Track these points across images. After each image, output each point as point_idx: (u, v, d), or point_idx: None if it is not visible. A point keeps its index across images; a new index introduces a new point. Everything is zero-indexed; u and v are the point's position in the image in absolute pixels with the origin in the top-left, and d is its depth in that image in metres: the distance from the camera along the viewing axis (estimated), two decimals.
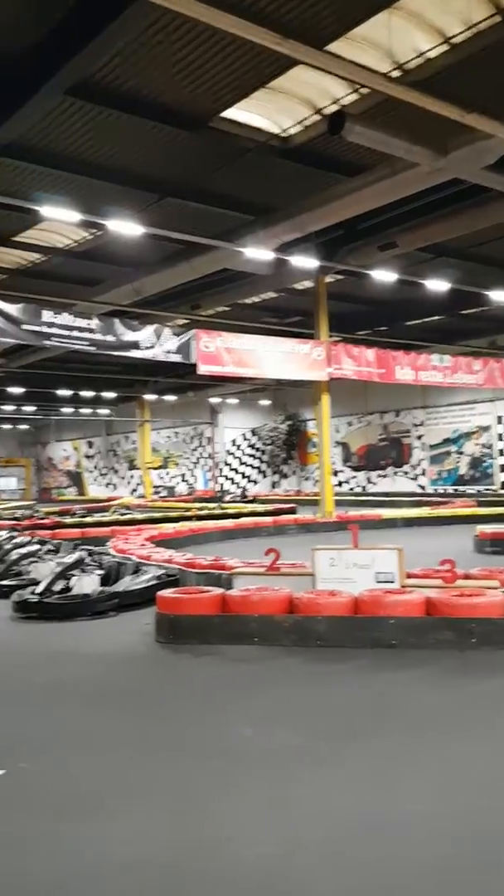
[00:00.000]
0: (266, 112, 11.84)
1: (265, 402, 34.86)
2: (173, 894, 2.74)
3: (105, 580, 8.85)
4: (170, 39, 9.65)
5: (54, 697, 5.25)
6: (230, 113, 11.67)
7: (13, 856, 3.02)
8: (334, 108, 11.38)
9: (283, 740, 4.23)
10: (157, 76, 10.51)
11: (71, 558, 9.02)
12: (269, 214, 14.70)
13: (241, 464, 36.97)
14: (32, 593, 8.35)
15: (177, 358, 15.82)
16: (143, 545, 12.01)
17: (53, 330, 14.42)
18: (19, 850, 3.07)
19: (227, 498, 29.20)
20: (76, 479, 46.12)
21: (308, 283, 19.22)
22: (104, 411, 38.35)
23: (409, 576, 6.93)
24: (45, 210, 12.25)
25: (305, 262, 15.51)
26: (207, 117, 11.71)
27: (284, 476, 35.18)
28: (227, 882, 2.78)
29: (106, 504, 27.91)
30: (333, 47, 9.70)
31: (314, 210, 13.73)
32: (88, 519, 20.00)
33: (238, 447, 36.99)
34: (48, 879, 2.83)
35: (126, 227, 12.92)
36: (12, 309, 13.86)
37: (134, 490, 39.80)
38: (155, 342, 15.55)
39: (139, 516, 20.72)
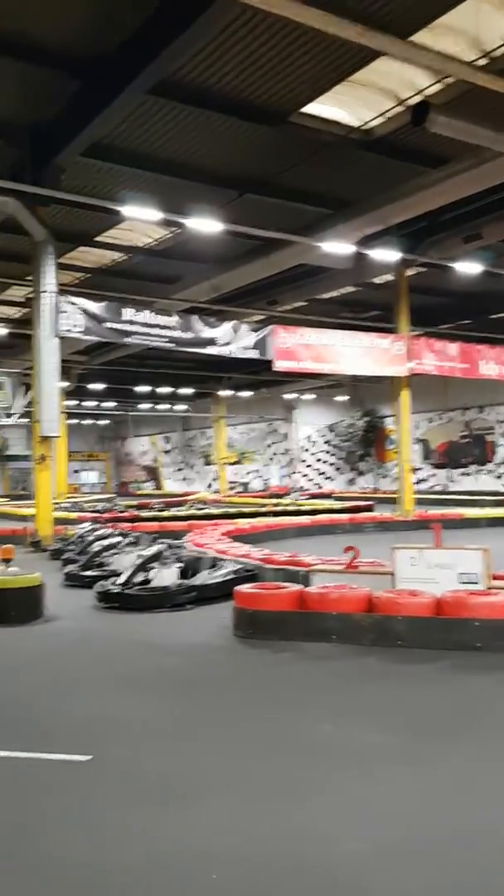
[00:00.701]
0: (347, 105, 11.71)
1: (342, 398, 34.53)
2: (258, 887, 2.75)
3: (183, 573, 8.98)
4: (251, 36, 9.68)
5: (137, 686, 5.37)
6: (311, 107, 11.61)
7: (103, 843, 3.10)
8: (417, 98, 11.15)
9: (365, 739, 4.18)
10: (239, 73, 10.56)
11: (151, 551, 9.20)
12: (349, 208, 14.55)
13: (317, 460, 36.81)
14: (114, 584, 8.57)
15: (253, 354, 15.88)
16: (219, 540, 12.12)
17: (134, 327, 14.74)
18: (108, 836, 3.14)
19: (292, 496, 28.99)
20: (153, 473, 47.04)
21: (388, 277, 18.92)
22: (181, 407, 38.93)
23: (495, 577, 6.72)
24: (128, 210, 12.51)
25: (386, 255, 15.27)
26: (288, 113, 11.69)
27: (361, 473, 34.77)
28: (309, 876, 2.78)
29: (182, 499, 28.35)
30: (418, 37, 9.51)
31: (396, 202, 13.50)
32: (165, 513, 20.36)
33: (313, 443, 36.84)
34: (137, 867, 2.88)
35: (205, 225, 13.05)
36: (95, 307, 14.24)
37: (209, 485, 40.27)
38: (232, 338, 15.66)
39: (215, 511, 20.94)
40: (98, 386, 32.36)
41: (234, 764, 3.89)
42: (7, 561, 8.19)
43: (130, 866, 2.88)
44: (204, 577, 8.80)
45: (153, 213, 12.48)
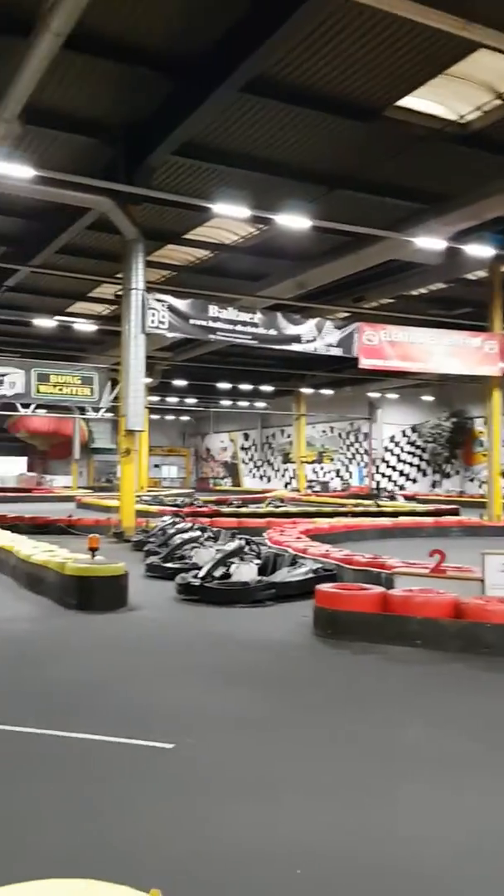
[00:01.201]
0: (443, 99, 11.41)
1: (428, 398, 33.73)
2: (342, 886, 2.71)
3: (262, 570, 8.99)
4: (346, 32, 9.58)
5: (219, 679, 5.40)
6: (405, 101, 11.38)
7: (184, 832, 3.12)
8: None
9: (450, 745, 4.06)
10: (332, 69, 10.46)
11: (231, 546, 9.25)
12: (442, 203, 14.19)
13: (399, 461, 36.15)
14: (194, 577, 8.66)
15: (337, 352, 15.74)
16: (298, 538, 12.06)
17: (218, 324, 14.88)
18: (190, 826, 3.16)
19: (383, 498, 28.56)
20: (232, 469, 47.44)
21: (482, 273, 18.34)
22: (261, 404, 39.07)
23: None
24: (218, 207, 12.61)
25: (480, 251, 14.80)
26: (382, 107, 11.49)
27: (447, 476, 33.85)
28: (393, 877, 2.71)
29: (260, 496, 28.42)
30: None
31: (491, 197, 13.08)
32: (244, 509, 20.45)
33: (397, 444, 36.18)
34: (219, 858, 2.89)
35: (294, 221, 13.00)
36: (181, 304, 14.45)
37: (287, 483, 40.23)
38: (316, 336, 15.57)
39: (293, 509, 20.89)
40: (181, 382, 32.88)
41: (315, 762, 3.85)
42: (94, 550, 8.42)
43: (212, 857, 2.88)
44: (283, 575, 8.78)
45: (242, 211, 12.54)
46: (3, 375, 19.13)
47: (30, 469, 43.15)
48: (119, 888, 1.62)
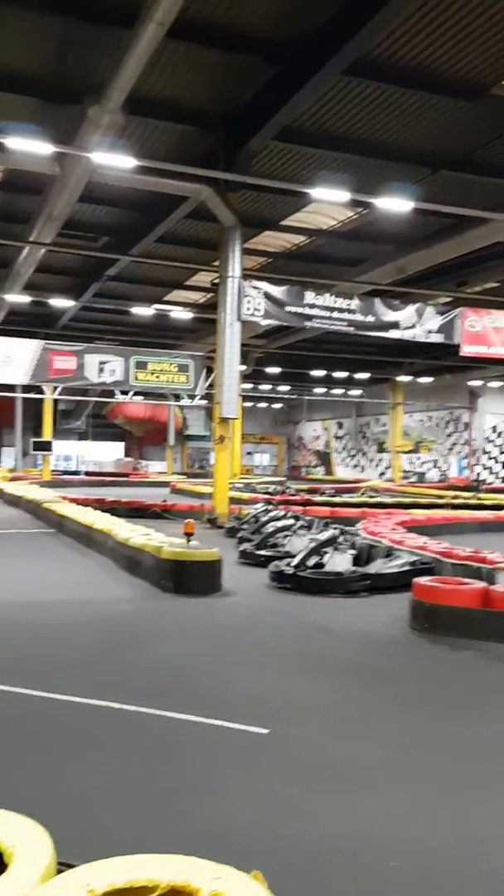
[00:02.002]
0: None
1: None
2: (437, 883, 2.62)
3: (356, 560, 8.86)
4: (452, 9, 9.20)
5: (313, 667, 5.36)
6: None
7: (278, 817, 3.10)
8: None
9: None
10: (437, 48, 10.09)
11: (324, 535, 9.16)
12: None
13: (502, 453, 34.78)
14: (287, 565, 8.63)
15: (438, 338, 15.25)
16: (393, 529, 11.81)
17: (314, 311, 14.72)
18: (284, 811, 3.14)
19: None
20: (324, 458, 47.12)
21: None
22: (355, 392, 38.54)
23: None
24: (317, 192, 12.42)
25: None
26: (488, 86, 10.98)
27: None
28: (490, 880, 2.58)
29: (353, 485, 28.08)
30: None
31: None
32: (337, 499, 20.25)
33: (499, 434, 34.81)
34: (312, 846, 2.85)
35: (396, 204, 12.64)
36: (277, 291, 14.38)
37: (382, 473, 39.57)
38: (416, 322, 15.14)
39: (387, 500, 20.49)
40: (274, 369, 32.87)
41: (409, 757, 3.77)
42: (189, 535, 8.53)
43: (309, 843, 2.86)
44: (378, 566, 8.61)
45: (342, 195, 12.30)
46: (103, 363, 19.69)
47: (126, 454, 44.45)
48: (222, 867, 1.59)
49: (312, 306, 14.66)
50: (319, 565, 8.54)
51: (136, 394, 23.12)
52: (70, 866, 1.62)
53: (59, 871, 1.60)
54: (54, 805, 2.90)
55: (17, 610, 7.05)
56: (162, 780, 3.42)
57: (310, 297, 14.67)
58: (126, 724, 4.12)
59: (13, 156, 11.37)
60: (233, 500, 16.27)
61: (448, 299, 20.19)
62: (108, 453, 42.92)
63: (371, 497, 21.15)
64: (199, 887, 1.54)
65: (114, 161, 11.04)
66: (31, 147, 10.72)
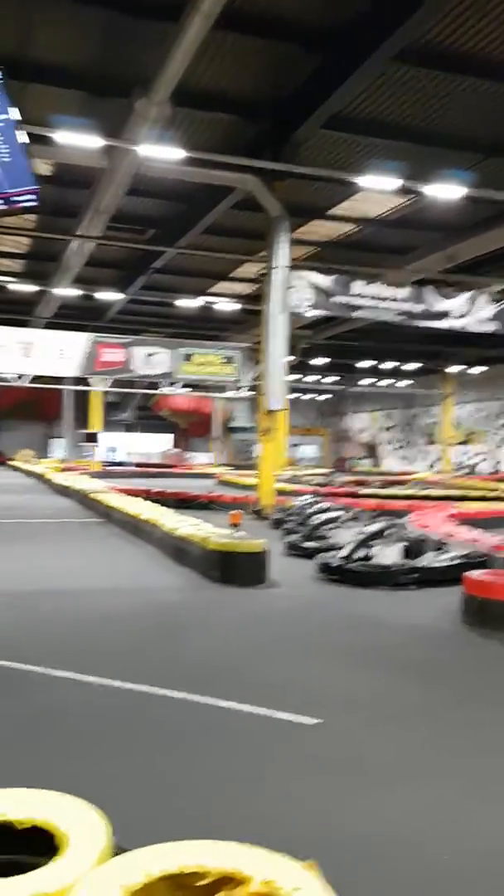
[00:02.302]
0: None
1: None
2: (496, 881, 2.56)
3: (406, 553, 8.73)
4: None
5: (362, 660, 5.32)
6: None
7: (329, 809, 3.08)
8: None
9: None
10: (489, 33, 9.86)
11: (372, 528, 9.08)
12: None
13: None
14: (335, 557, 8.57)
15: (491, 327, 14.91)
16: (443, 522, 11.63)
17: (362, 301, 14.54)
18: (335, 804, 3.12)
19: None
20: (372, 450, 46.68)
21: None
22: (404, 383, 38.03)
23: None
24: (365, 180, 12.26)
25: None
26: None
27: None
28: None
29: (402, 478, 27.76)
30: None
31: None
32: (385, 491, 20.04)
33: None
34: (365, 840, 2.82)
35: (446, 191, 12.39)
36: (325, 281, 14.25)
37: (431, 465, 38.98)
38: (468, 311, 14.82)
39: (438, 493, 20.18)
40: (320, 360, 32.66)
41: (462, 755, 3.69)
42: (235, 526, 8.55)
43: (357, 835, 2.84)
44: (428, 560, 8.48)
45: (392, 182, 12.13)
46: (150, 355, 19.85)
47: (173, 446, 44.85)
48: (274, 855, 1.58)
49: (360, 296, 14.48)
50: (367, 558, 8.46)
51: (182, 385, 23.25)
52: (124, 850, 1.63)
53: (114, 856, 1.61)
54: (105, 789, 2.93)
55: (70, 597, 7.18)
56: (210, 767, 3.44)
57: (358, 286, 14.49)
58: (174, 711, 4.15)
59: (62, 150, 11.51)
60: (279, 492, 16.25)
61: (502, 287, 19.70)
62: (155, 445, 43.38)
63: (420, 490, 20.87)
64: (251, 875, 1.54)
65: (161, 153, 11.09)
66: (80, 141, 10.85)
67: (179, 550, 9.11)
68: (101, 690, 4.43)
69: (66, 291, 21.64)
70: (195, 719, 4.04)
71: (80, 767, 3.32)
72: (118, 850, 1.64)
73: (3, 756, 3.45)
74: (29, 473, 29.51)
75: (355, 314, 14.92)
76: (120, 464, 37.56)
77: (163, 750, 3.62)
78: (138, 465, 36.39)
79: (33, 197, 4.48)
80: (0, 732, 3.77)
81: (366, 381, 37.80)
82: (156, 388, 24.61)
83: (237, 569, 7.92)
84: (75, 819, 1.67)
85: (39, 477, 25.85)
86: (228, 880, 1.57)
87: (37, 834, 1.66)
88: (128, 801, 3.00)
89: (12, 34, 10.25)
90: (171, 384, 21.55)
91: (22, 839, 1.67)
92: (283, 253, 13.59)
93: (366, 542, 8.64)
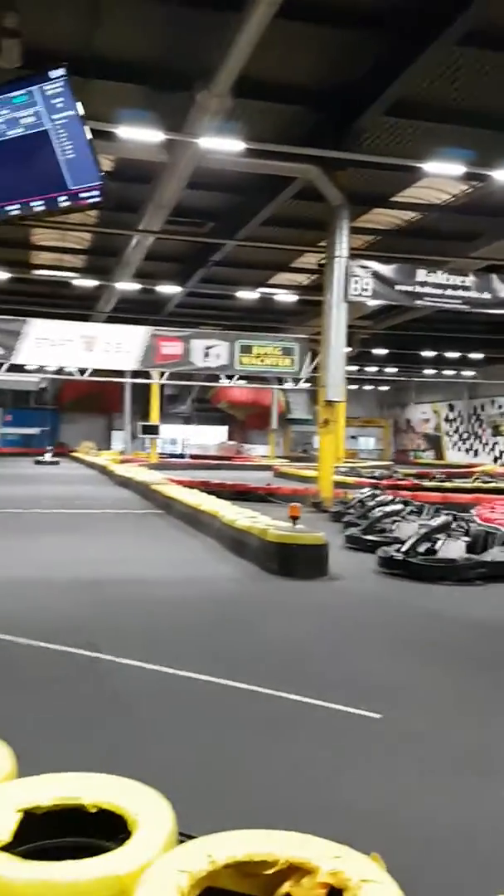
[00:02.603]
0: None
1: None
2: None
3: (471, 547, 8.55)
4: None
5: (426, 655, 5.25)
6: None
7: (400, 803, 3.04)
8: None
9: None
10: None
11: (437, 521, 8.90)
12: None
13: None
14: (397, 551, 8.45)
15: None
16: None
17: (426, 289, 14.27)
18: (405, 798, 3.09)
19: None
20: (434, 442, 45.80)
21: None
22: (468, 373, 37.13)
23: None
24: (429, 166, 11.99)
25: None
26: None
27: None
28: None
29: (466, 470, 27.13)
30: None
31: None
32: (448, 484, 19.63)
33: None
34: (438, 835, 2.78)
35: None
36: (386, 270, 14.03)
37: (497, 458, 38.01)
38: None
39: None
40: (381, 351, 32.21)
41: None
42: (295, 518, 8.52)
43: (422, 830, 2.80)
44: (495, 554, 8.29)
45: (457, 168, 11.84)
46: (208, 348, 19.98)
47: (230, 438, 45.05)
48: (341, 846, 1.57)
49: (424, 284, 14.21)
50: (431, 552, 8.31)
51: (239, 377, 23.32)
52: (190, 837, 1.64)
53: (180, 842, 1.63)
54: (171, 776, 2.97)
55: (134, 586, 7.29)
56: (275, 758, 3.44)
57: (421, 274, 14.22)
58: (238, 702, 4.17)
59: (123, 145, 11.63)
60: (338, 485, 16.12)
61: None
62: (212, 437, 43.68)
63: (486, 482, 20.37)
64: (318, 865, 1.53)
65: (222, 145, 11.09)
66: (142, 135, 10.94)
67: (238, 542, 9.15)
68: (168, 679, 4.48)
69: (127, 286, 21.94)
70: (257, 711, 4.05)
71: (148, 754, 3.37)
72: (186, 836, 1.65)
73: (75, 740, 3.53)
74: (91, 465, 30.14)
75: (419, 303, 14.65)
76: (178, 455, 37.99)
77: (224, 741, 3.64)
78: (195, 457, 36.71)
79: (98, 193, 4.53)
80: (71, 718, 3.86)
81: (429, 371, 37.07)
82: (214, 381, 24.78)
83: (297, 561, 7.90)
84: (143, 804, 1.69)
85: (101, 468, 26.37)
86: (295, 870, 1.56)
87: (105, 817, 1.69)
88: (191, 788, 3.03)
89: (77, 31, 10.40)
90: (229, 377, 21.64)
91: (90, 822, 1.70)
92: (343, 242, 13.44)
93: (429, 535, 8.49)
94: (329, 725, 3.86)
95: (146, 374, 25.74)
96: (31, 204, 4.65)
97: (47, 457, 31.95)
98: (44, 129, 4.43)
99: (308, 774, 3.29)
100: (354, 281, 13.58)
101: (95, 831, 1.69)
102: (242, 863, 1.57)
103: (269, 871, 1.56)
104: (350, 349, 25.53)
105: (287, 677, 4.51)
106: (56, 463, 31.26)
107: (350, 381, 33.01)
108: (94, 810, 1.69)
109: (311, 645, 5.42)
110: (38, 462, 30.98)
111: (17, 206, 4.71)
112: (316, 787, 3.18)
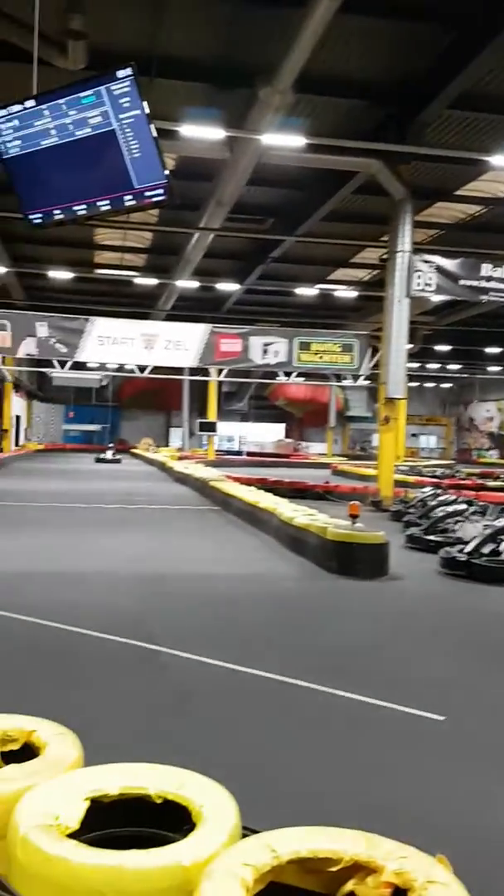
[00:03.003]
0: None
1: None
2: None
3: None
4: None
5: (492, 658, 5.13)
6: None
7: (464, 808, 2.98)
8: None
9: None
10: None
11: (502, 522, 8.68)
12: None
13: None
14: (460, 552, 8.27)
15: None
16: None
17: (492, 284, 13.94)
18: (470, 802, 3.02)
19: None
20: (499, 441, 44.69)
21: None
22: None
23: None
24: (496, 159, 11.71)
25: None
26: None
27: None
28: None
29: None
30: None
31: None
32: None
33: None
34: (490, 835, 2.72)
35: None
36: (450, 264, 13.75)
37: None
38: None
39: None
40: (443, 347, 31.63)
41: None
42: (354, 517, 8.43)
43: (489, 834, 2.75)
44: None
45: None
46: (267, 345, 19.96)
47: (287, 436, 44.98)
48: (406, 847, 1.55)
49: (489, 279, 13.88)
50: (496, 553, 8.11)
51: (297, 374, 23.24)
52: (253, 831, 1.64)
53: (244, 836, 1.63)
54: (234, 770, 2.98)
55: (193, 581, 7.36)
56: (338, 757, 3.42)
57: (487, 269, 13.89)
58: (299, 700, 4.16)
59: (186, 143, 11.74)
60: (398, 483, 15.91)
61: None
62: (269, 434, 43.70)
63: None
64: (383, 865, 1.51)
65: (284, 141, 11.07)
66: (204, 133, 11.02)
67: (296, 540, 9.12)
68: (230, 675, 4.50)
69: (186, 284, 22.14)
70: (320, 710, 4.02)
71: (211, 747, 3.39)
72: (250, 830, 1.65)
73: (138, 733, 3.58)
74: (150, 461, 30.54)
75: (484, 298, 14.31)
76: (235, 453, 38.16)
77: (289, 738, 3.63)
78: (252, 454, 36.79)
79: (163, 191, 4.58)
80: (135, 709, 3.91)
81: (494, 368, 36.19)
82: (271, 378, 24.76)
83: (356, 560, 7.81)
84: (208, 797, 1.70)
85: (160, 465, 26.71)
86: (360, 868, 1.55)
87: (170, 808, 1.70)
88: (254, 783, 3.03)
89: (140, 30, 10.54)
90: (287, 374, 21.58)
91: (155, 812, 1.72)
92: (406, 236, 13.24)
93: (494, 536, 8.29)
94: (391, 726, 3.81)
95: (204, 372, 25.94)
96: (98, 203, 4.73)
97: (109, 454, 30.91)
98: (111, 128, 4.50)
99: (369, 773, 3.26)
100: (417, 276, 13.36)
101: (160, 822, 1.70)
102: (306, 859, 1.56)
103: (334, 869, 1.55)
104: (412, 345, 25.14)
105: (348, 677, 4.48)
106: (118, 461, 30.47)
107: (411, 378, 32.55)
108: (159, 801, 1.71)
109: (374, 645, 5.35)
110: (99, 460, 30.70)
111: (84, 206, 4.80)
112: (377, 786, 3.15)
